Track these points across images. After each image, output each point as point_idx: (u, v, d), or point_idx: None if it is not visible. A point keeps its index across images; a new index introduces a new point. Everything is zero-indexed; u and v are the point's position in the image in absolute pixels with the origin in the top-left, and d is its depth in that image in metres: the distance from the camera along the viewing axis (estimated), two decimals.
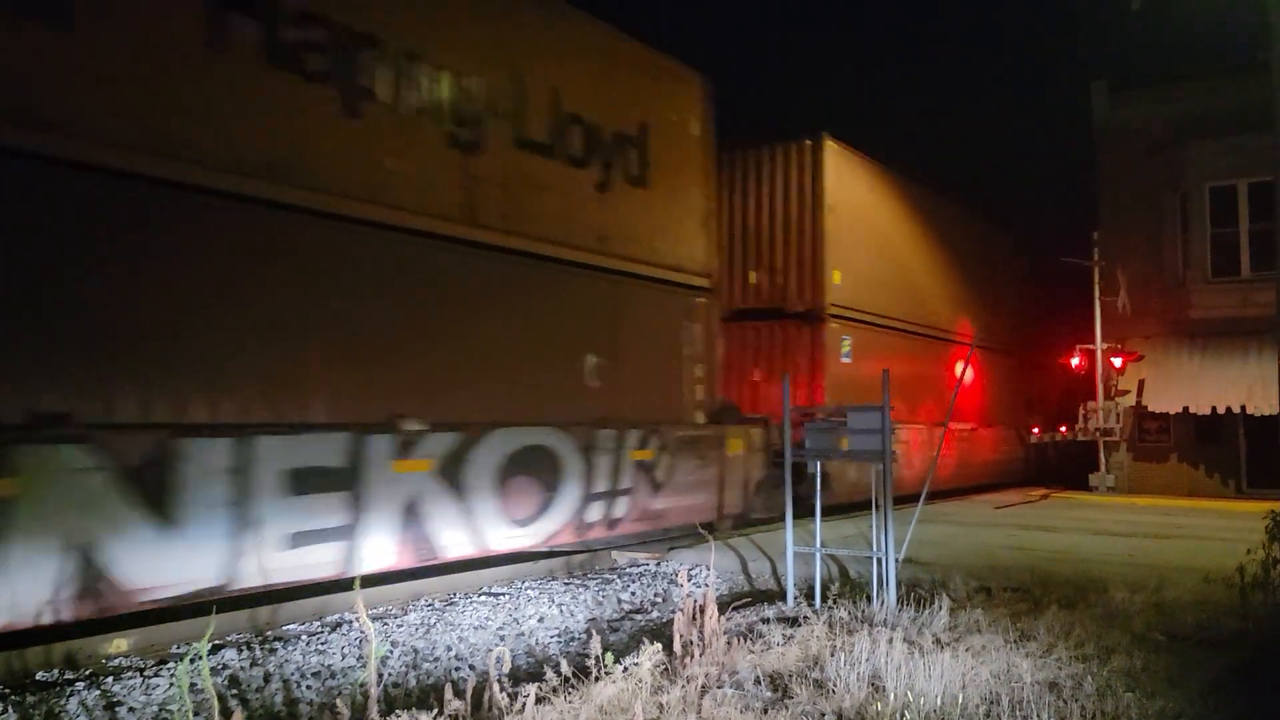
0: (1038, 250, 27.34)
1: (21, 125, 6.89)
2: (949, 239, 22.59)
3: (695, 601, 6.49)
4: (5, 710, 6.13)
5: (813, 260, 17.50)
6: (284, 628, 8.39)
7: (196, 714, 5.81)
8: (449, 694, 4.88)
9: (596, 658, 5.60)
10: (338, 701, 4.73)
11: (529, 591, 10.06)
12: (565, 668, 5.51)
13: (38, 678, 6.84)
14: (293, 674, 7.08)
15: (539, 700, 5.12)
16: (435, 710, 4.74)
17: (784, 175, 17.88)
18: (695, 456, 12.97)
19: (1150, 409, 22.47)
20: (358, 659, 7.47)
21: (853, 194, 18.46)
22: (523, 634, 8.32)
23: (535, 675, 5.53)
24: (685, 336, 13.35)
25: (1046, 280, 27.28)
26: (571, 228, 11.51)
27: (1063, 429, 26.35)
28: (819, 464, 9.49)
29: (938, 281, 22.24)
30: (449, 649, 7.80)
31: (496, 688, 5.06)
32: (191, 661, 4.66)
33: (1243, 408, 20.91)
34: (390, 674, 7.06)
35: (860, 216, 18.70)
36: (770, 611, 8.60)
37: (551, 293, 11.21)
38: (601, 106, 12.09)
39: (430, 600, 9.58)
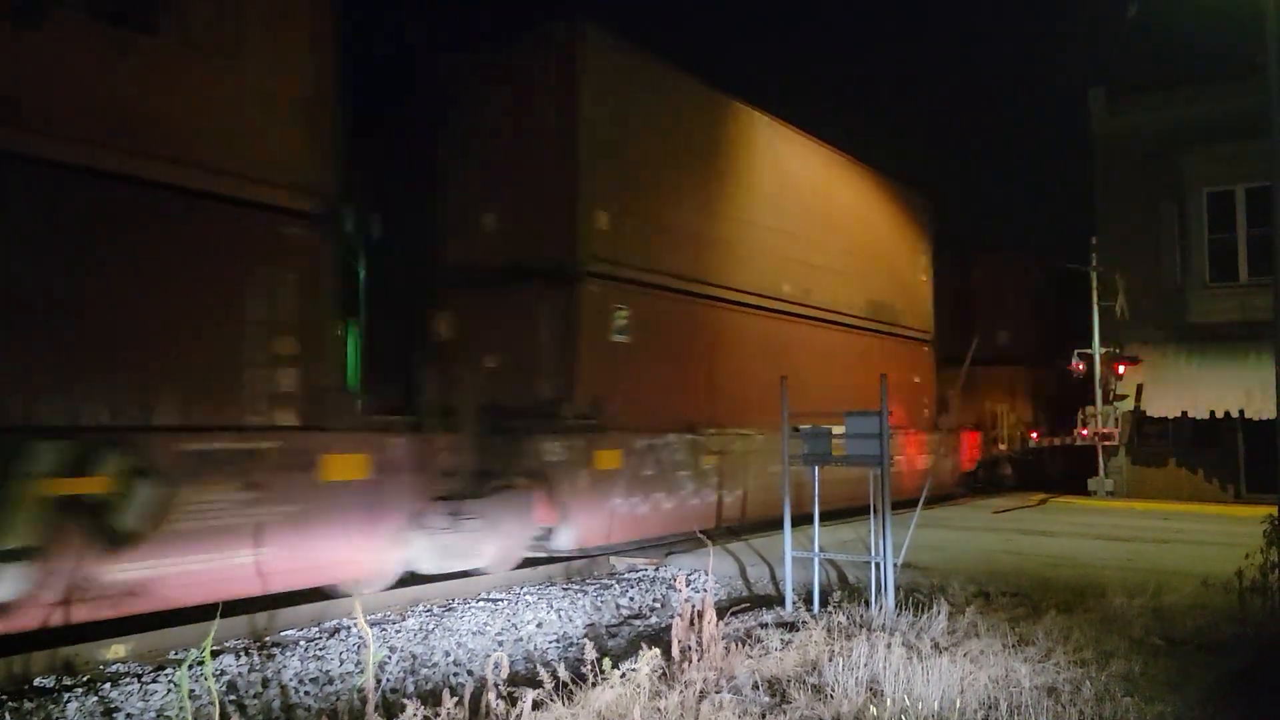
0: (996, 243, 25.80)
1: None
2: (856, 209, 18.87)
3: (693, 607, 6.49)
4: (3, 717, 6.12)
5: (561, 196, 12.18)
6: (282, 633, 8.37)
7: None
8: (447, 699, 4.88)
9: (594, 663, 5.60)
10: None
11: (527, 597, 10.06)
12: (563, 673, 5.50)
13: (36, 683, 6.83)
14: (291, 680, 7.07)
15: (536, 706, 5.11)
16: (432, 715, 4.74)
17: (529, 80, 12.63)
18: (240, 485, 7.94)
19: (1149, 413, 22.49)
20: (356, 665, 7.46)
21: (639, 110, 13.41)
22: (521, 639, 8.31)
23: (534, 681, 5.52)
24: (256, 290, 8.41)
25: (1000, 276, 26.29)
26: None
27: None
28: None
29: (827, 255, 17.69)
30: (447, 654, 7.79)
31: (494, 693, 5.05)
32: (190, 667, 4.66)
33: (1241, 412, 20.92)
34: (388, 680, 7.05)
35: (657, 144, 13.72)
36: (769, 616, 8.59)
37: None
38: None
39: (429, 606, 9.57)
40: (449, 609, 9.44)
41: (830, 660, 6.28)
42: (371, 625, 8.44)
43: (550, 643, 8.26)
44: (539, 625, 8.83)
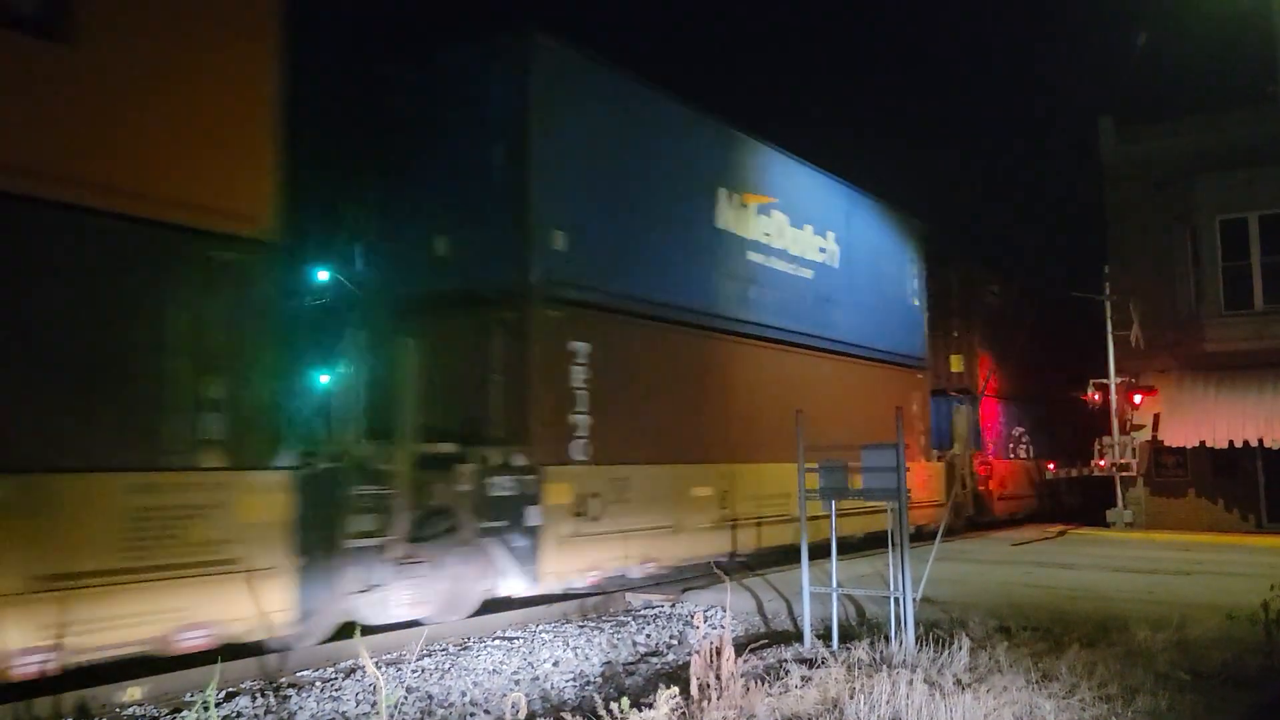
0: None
1: None
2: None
3: (711, 643, 6.43)
4: None
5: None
6: (298, 674, 8.33)
7: None
8: None
9: (612, 702, 5.54)
10: None
11: (543, 635, 9.99)
12: (580, 714, 5.45)
13: None
14: None
15: None
16: None
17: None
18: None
19: (1167, 443, 22.30)
20: (372, 705, 7.41)
21: None
22: (538, 678, 8.25)
23: None
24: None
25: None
26: None
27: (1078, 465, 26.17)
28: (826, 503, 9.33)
29: None
30: (464, 694, 7.73)
31: None
32: (205, 709, 4.64)
33: (1260, 440, 20.73)
34: None
35: None
36: (787, 653, 8.51)
37: None
38: None
39: (445, 645, 9.51)
40: (465, 648, 9.39)
41: (851, 698, 6.20)
42: (387, 665, 8.40)
43: (567, 681, 8.19)
44: (556, 664, 8.76)
